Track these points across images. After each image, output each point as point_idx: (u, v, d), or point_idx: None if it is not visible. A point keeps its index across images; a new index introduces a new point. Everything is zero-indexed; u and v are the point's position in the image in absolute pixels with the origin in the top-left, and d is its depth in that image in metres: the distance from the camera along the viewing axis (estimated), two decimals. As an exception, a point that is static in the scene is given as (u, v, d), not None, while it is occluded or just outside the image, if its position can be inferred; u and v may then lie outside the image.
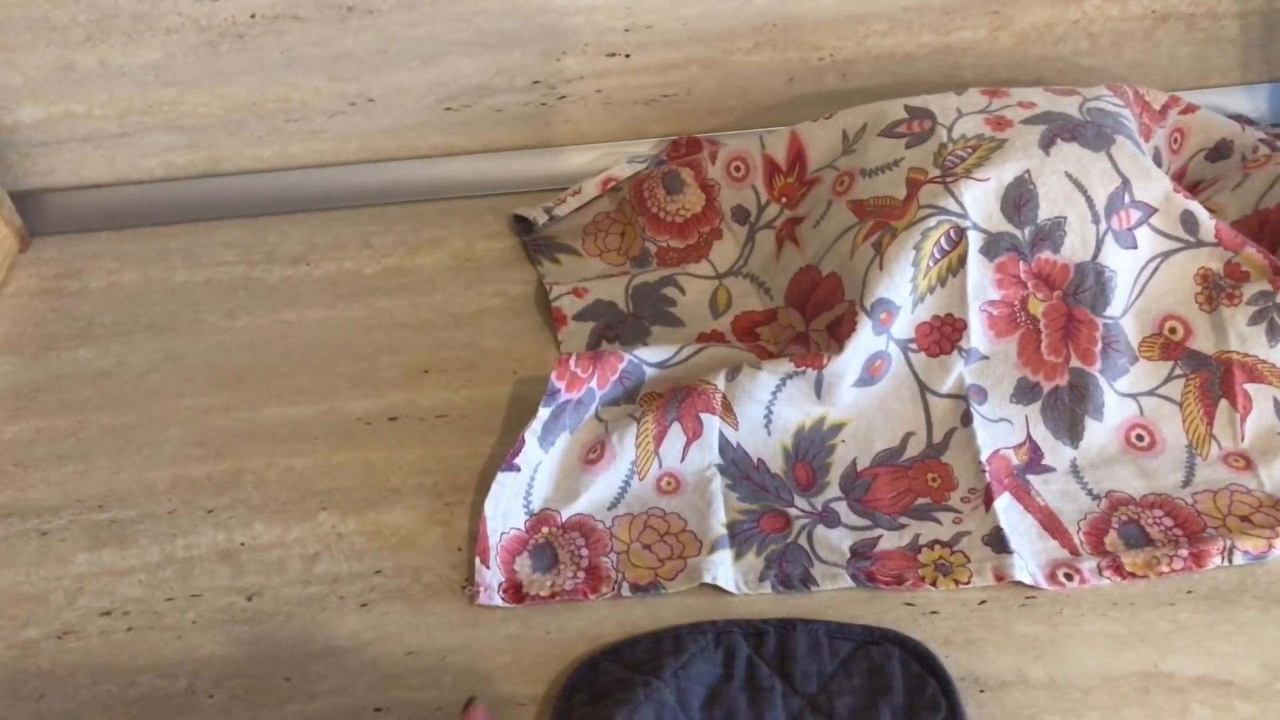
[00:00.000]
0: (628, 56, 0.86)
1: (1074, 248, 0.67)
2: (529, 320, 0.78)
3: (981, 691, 0.56)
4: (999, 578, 0.60)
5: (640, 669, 0.54)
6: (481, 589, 0.60)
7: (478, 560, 0.61)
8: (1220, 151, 0.80)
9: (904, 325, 0.68)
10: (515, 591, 0.60)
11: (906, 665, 0.56)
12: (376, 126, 0.88)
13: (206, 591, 0.61)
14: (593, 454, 0.65)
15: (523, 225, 0.85)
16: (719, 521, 0.63)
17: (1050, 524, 0.63)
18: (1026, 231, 0.67)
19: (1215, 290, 0.68)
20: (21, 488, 0.67)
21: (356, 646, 0.59)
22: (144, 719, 0.56)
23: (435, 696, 0.56)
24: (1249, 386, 0.67)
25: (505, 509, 0.63)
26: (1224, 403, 0.67)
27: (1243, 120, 0.84)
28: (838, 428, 0.68)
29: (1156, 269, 0.69)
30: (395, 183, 0.89)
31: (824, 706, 0.54)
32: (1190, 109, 0.81)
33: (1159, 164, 0.77)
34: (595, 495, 0.65)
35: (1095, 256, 0.67)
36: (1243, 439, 0.66)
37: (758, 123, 0.88)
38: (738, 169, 0.80)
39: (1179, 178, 0.80)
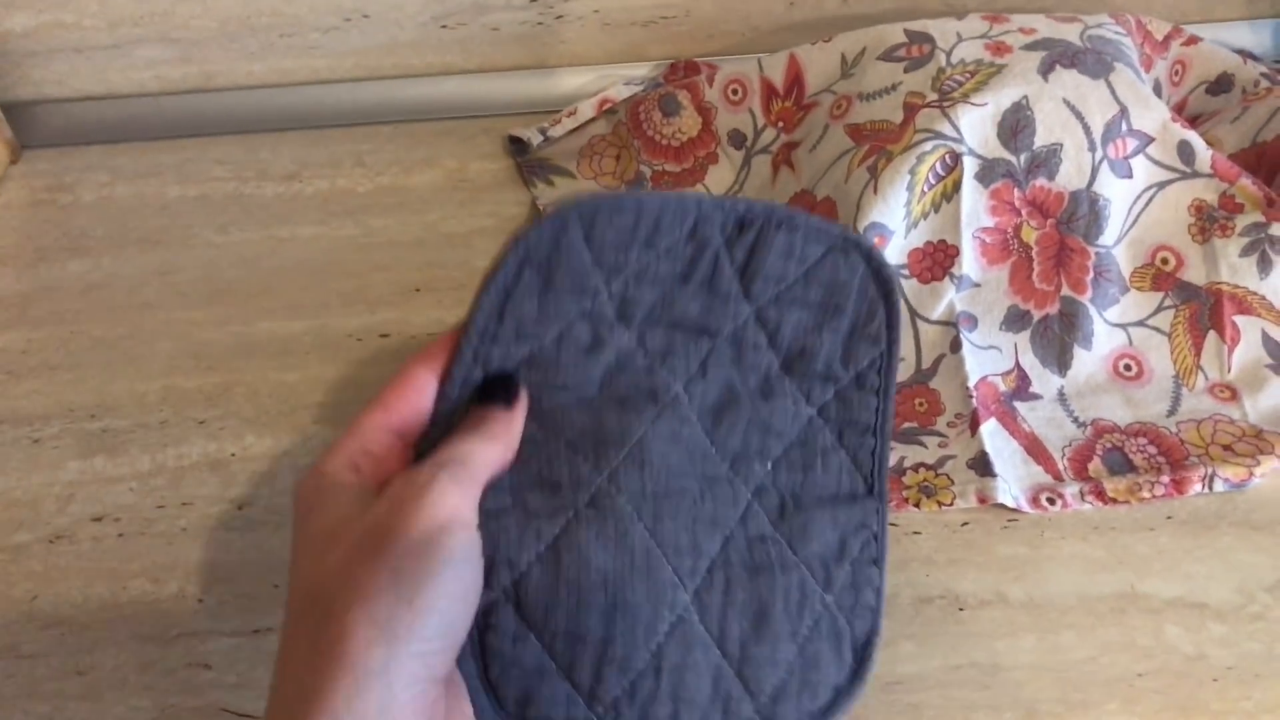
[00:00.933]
0: (626, -24, 0.85)
1: (1069, 175, 0.67)
2: (522, 241, 0.78)
3: (961, 610, 0.57)
4: (982, 500, 0.60)
5: (601, 261, 0.45)
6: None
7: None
8: (1221, 85, 0.80)
9: (897, 251, 0.68)
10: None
11: (864, 289, 0.49)
12: (371, 43, 0.87)
13: (197, 500, 0.62)
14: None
15: (517, 147, 0.84)
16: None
17: (1035, 449, 0.63)
18: (1022, 158, 0.67)
19: (1209, 221, 0.68)
20: (13, 396, 0.68)
21: (345, 555, 0.59)
22: (135, 620, 0.57)
23: (422, 605, 0.57)
24: (1238, 318, 0.67)
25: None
26: (1212, 334, 0.67)
27: (1245, 55, 0.83)
28: (828, 353, 0.68)
29: (1151, 199, 0.68)
30: (389, 101, 0.88)
31: (770, 322, 0.48)
32: (1193, 41, 0.80)
33: (1159, 96, 0.77)
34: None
35: (1090, 185, 0.67)
36: (1229, 370, 0.67)
37: (757, 47, 0.87)
38: (735, 92, 0.80)
39: (1179, 110, 0.79)
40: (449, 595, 0.36)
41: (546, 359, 0.45)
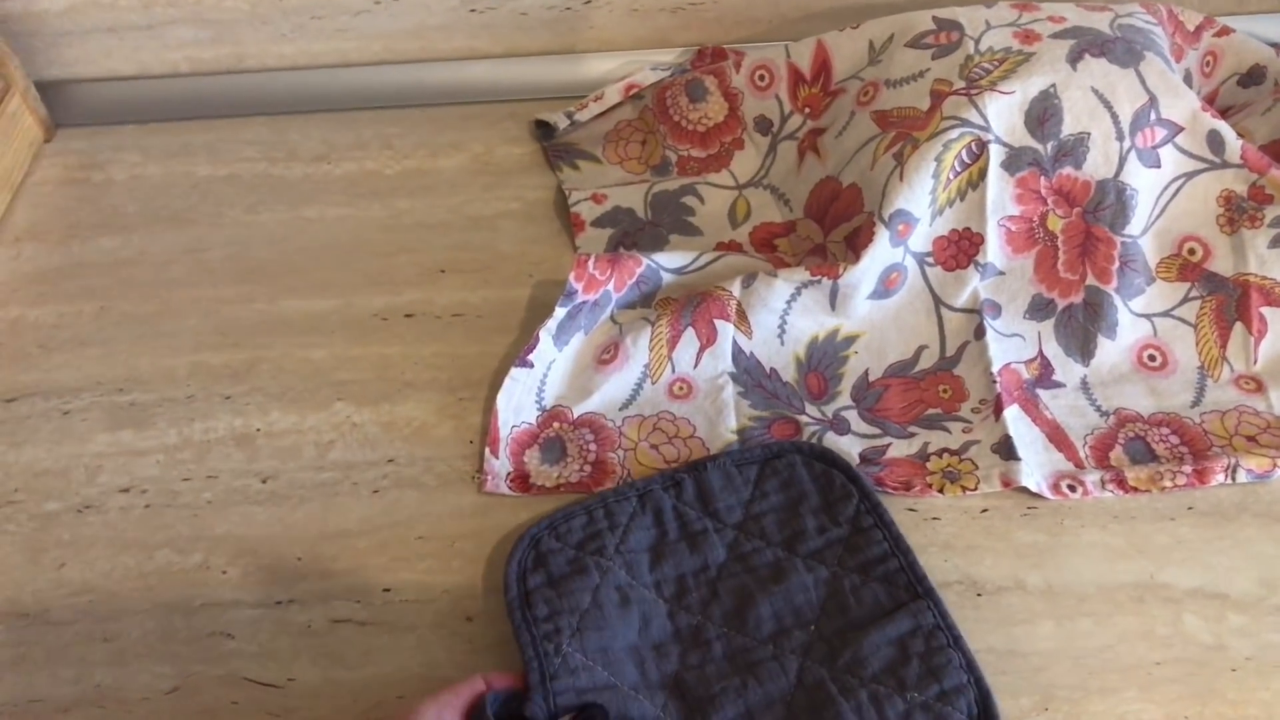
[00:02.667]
0: (655, -37, 0.85)
1: (1096, 164, 0.67)
2: (547, 225, 0.78)
3: (979, 595, 0.57)
4: (1005, 483, 0.60)
5: (584, 548, 0.57)
6: (489, 477, 0.61)
7: (487, 450, 0.62)
8: (1253, 77, 0.79)
9: (922, 238, 0.68)
10: (522, 481, 0.61)
11: (810, 467, 0.60)
12: (400, 27, 0.87)
13: (222, 473, 0.63)
14: (606, 354, 0.66)
15: (543, 131, 0.85)
16: (728, 429, 0.64)
17: (1057, 437, 0.63)
18: (1049, 147, 0.67)
19: (1237, 212, 0.68)
20: (45, 369, 0.69)
21: (368, 530, 0.60)
22: (160, 589, 0.57)
23: (443, 580, 0.58)
24: (1265, 310, 0.66)
25: (517, 403, 0.64)
26: (1239, 325, 0.66)
27: (1278, 47, 0.82)
28: (851, 339, 0.68)
29: (1179, 189, 0.68)
30: (417, 85, 0.89)
31: (754, 529, 0.58)
32: (1225, 32, 0.79)
33: (1190, 86, 0.76)
34: (607, 395, 0.65)
35: (1117, 174, 0.67)
36: (1255, 362, 0.66)
37: (785, 34, 0.87)
38: (762, 78, 0.80)
39: (1210, 101, 0.78)
40: None
41: (593, 617, 0.53)
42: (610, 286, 0.67)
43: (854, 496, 0.58)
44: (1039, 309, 0.68)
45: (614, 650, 0.52)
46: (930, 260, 0.68)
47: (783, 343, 0.68)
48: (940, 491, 0.61)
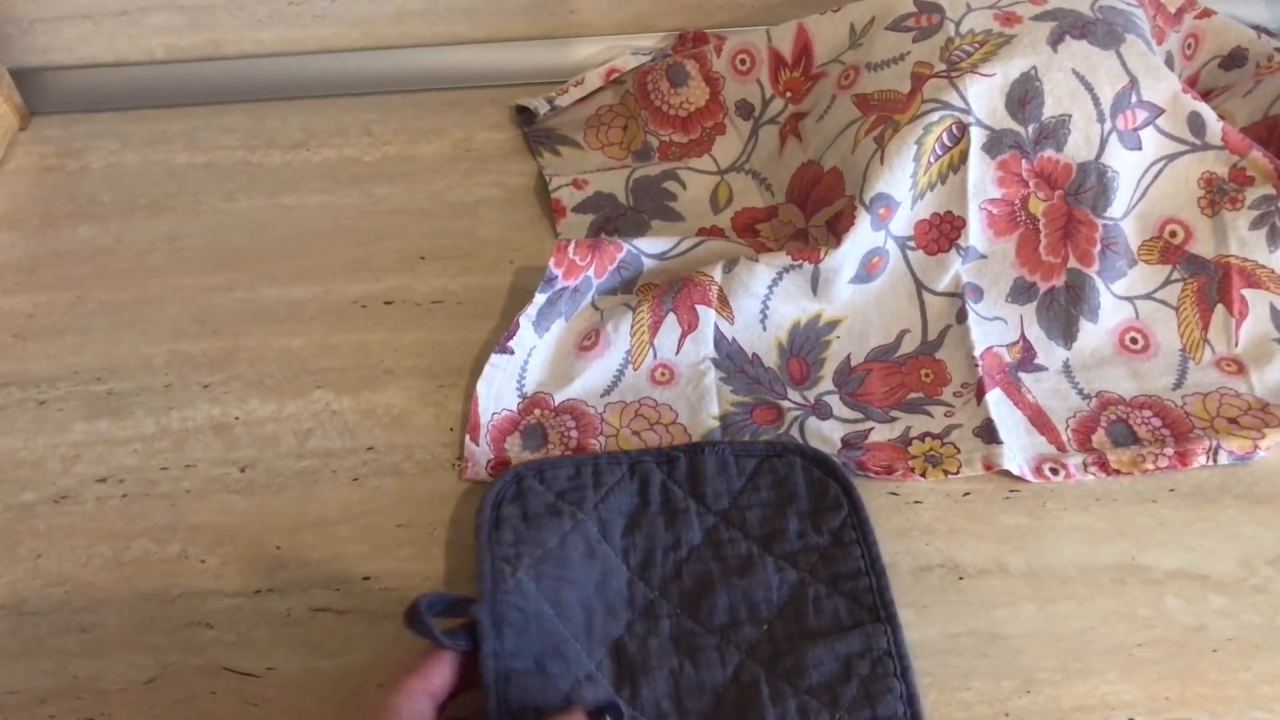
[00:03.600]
0: (636, -54, 0.84)
1: (1077, 147, 0.66)
2: (527, 211, 0.78)
3: (960, 579, 0.57)
4: (988, 467, 0.60)
5: (564, 497, 0.57)
6: (470, 464, 0.61)
7: (467, 437, 0.61)
8: (1234, 59, 0.79)
9: (903, 222, 0.68)
10: (503, 468, 0.60)
11: (809, 472, 0.59)
12: (380, 12, 0.87)
13: (200, 462, 0.62)
14: (587, 341, 0.66)
15: (524, 117, 0.84)
16: (710, 415, 0.64)
17: (1039, 420, 0.63)
18: (1030, 129, 0.66)
19: (1218, 194, 0.68)
20: (20, 359, 0.68)
21: (348, 518, 0.59)
22: (138, 579, 0.57)
23: (424, 567, 0.57)
24: (1246, 291, 0.66)
25: (498, 390, 0.63)
26: (1220, 307, 0.67)
27: (1260, 29, 0.82)
28: (833, 324, 0.68)
29: (1160, 171, 0.68)
30: (397, 71, 0.88)
31: (735, 520, 0.58)
32: (1206, 14, 0.79)
33: (1171, 69, 0.76)
34: (589, 381, 0.65)
35: (1099, 156, 0.66)
36: (1237, 344, 0.66)
37: (766, 18, 0.86)
38: (743, 62, 0.79)
39: (1191, 84, 0.78)
40: None
41: (555, 557, 0.53)
42: (591, 272, 0.67)
43: (844, 509, 0.57)
44: (1021, 292, 0.68)
45: (566, 594, 0.52)
46: (912, 244, 0.68)
47: (765, 328, 0.67)
48: (922, 475, 0.60)
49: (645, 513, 0.58)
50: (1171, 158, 0.68)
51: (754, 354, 0.67)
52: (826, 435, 0.63)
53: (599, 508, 0.57)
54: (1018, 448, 0.61)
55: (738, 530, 0.57)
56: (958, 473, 0.60)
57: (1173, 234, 0.68)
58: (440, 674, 0.46)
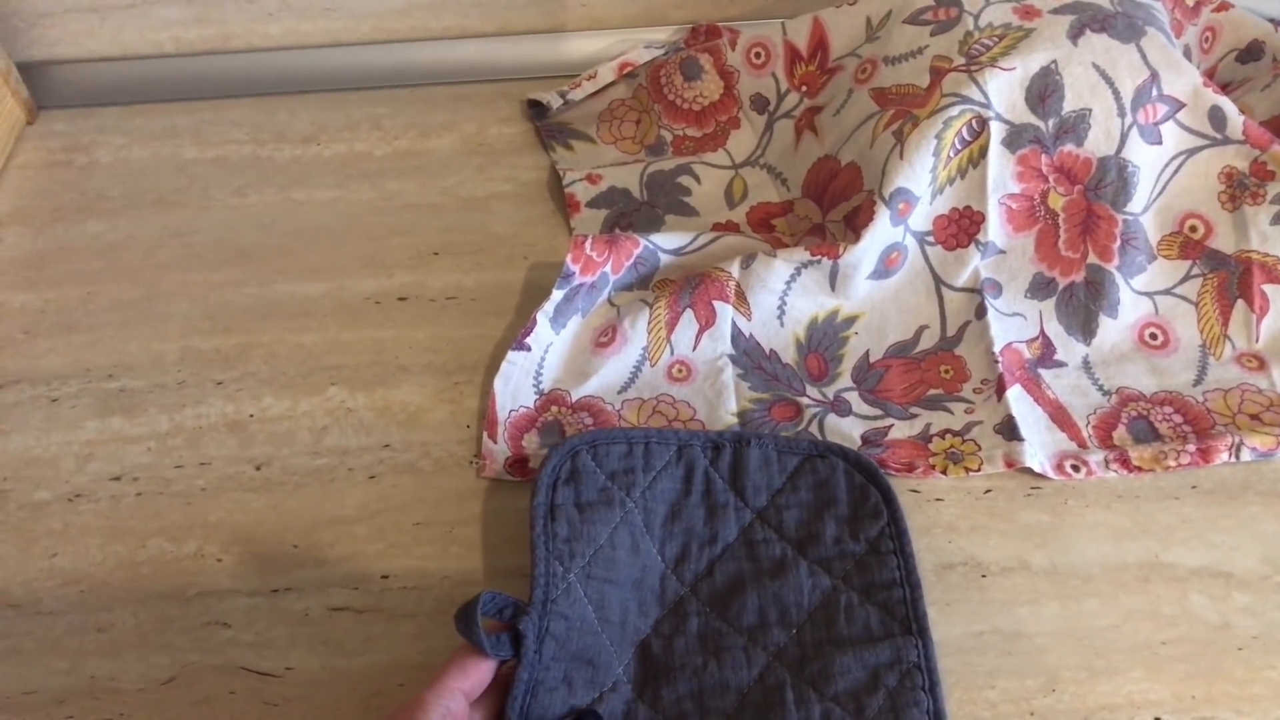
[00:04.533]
0: (648, -62, 0.84)
1: (1097, 141, 0.66)
2: (540, 206, 0.77)
3: (983, 576, 0.56)
4: (1009, 464, 0.60)
5: (616, 480, 0.56)
6: (488, 462, 0.60)
7: (485, 434, 0.61)
8: (1252, 52, 0.78)
9: (922, 217, 0.67)
10: (521, 466, 0.60)
11: (850, 477, 0.58)
12: (389, 6, 0.86)
13: (215, 460, 0.62)
14: (604, 337, 0.65)
15: (536, 111, 0.83)
16: (729, 411, 0.63)
17: (1059, 417, 0.63)
18: (1050, 123, 0.66)
19: (1239, 189, 0.67)
20: (31, 355, 0.67)
21: (364, 516, 0.59)
22: (153, 579, 0.57)
23: (442, 566, 0.57)
24: (1267, 287, 0.66)
25: (515, 387, 0.63)
26: (1240, 303, 0.66)
27: (1277, 22, 0.81)
28: (851, 320, 0.68)
29: (1180, 166, 0.67)
30: (407, 65, 0.87)
31: (772, 520, 0.57)
32: (1224, 7, 0.79)
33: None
34: (606, 378, 0.64)
35: (1119, 151, 0.66)
36: (1257, 339, 0.66)
37: (781, 11, 0.86)
38: (758, 55, 0.79)
39: (1209, 77, 0.78)
40: None
41: (604, 557, 0.53)
42: (608, 268, 0.66)
43: (883, 518, 0.56)
44: (1040, 288, 0.67)
45: (609, 596, 0.52)
46: (930, 239, 0.68)
47: (782, 324, 0.67)
48: (943, 473, 0.60)
49: (686, 502, 0.57)
50: (1192, 152, 0.67)
51: (771, 350, 0.67)
52: (846, 432, 0.62)
53: (646, 495, 0.57)
54: (1039, 444, 0.61)
55: (773, 531, 0.57)
56: (979, 470, 0.60)
57: (1193, 229, 0.68)
58: (479, 675, 0.46)
